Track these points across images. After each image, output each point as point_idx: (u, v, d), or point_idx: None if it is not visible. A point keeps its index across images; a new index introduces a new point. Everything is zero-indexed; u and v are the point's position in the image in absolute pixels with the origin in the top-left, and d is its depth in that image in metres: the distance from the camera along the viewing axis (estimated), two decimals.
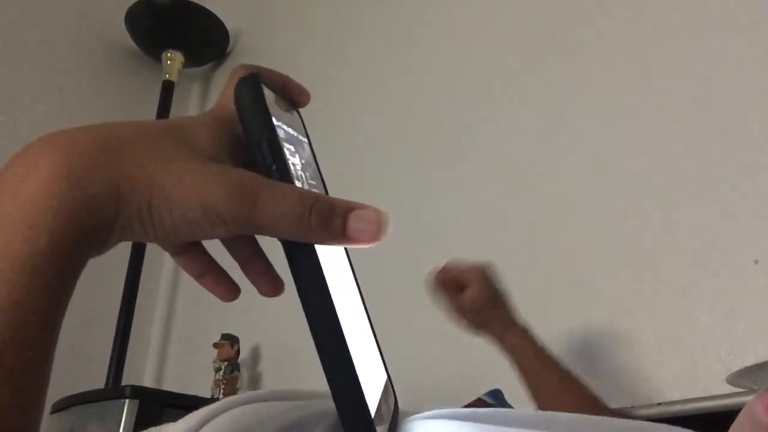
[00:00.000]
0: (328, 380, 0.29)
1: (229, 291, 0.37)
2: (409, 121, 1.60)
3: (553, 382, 0.88)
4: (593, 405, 0.86)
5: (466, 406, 0.99)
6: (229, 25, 2.13)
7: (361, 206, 0.30)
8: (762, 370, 0.77)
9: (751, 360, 0.79)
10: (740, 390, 0.84)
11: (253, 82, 0.31)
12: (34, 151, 0.28)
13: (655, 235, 1.09)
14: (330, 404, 0.29)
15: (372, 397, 0.30)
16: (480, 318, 0.93)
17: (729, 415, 0.31)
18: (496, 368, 1.19)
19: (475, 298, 0.93)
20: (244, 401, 0.34)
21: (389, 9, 1.78)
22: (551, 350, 0.91)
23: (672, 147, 1.12)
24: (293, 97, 0.37)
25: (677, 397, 0.94)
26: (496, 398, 1.02)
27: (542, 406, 0.89)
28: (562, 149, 1.27)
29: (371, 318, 0.37)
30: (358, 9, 1.87)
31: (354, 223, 0.29)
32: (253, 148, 0.31)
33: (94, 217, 0.28)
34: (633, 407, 0.97)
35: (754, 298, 0.96)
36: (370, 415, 0.29)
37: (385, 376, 0.36)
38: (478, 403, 1.00)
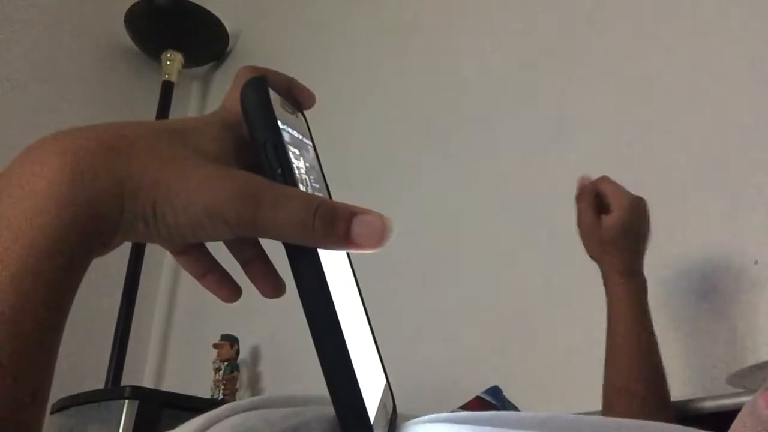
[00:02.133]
0: (328, 384, 0.29)
1: (231, 292, 0.37)
2: (410, 121, 1.60)
3: (634, 344, 0.82)
4: (659, 388, 0.82)
5: (465, 405, 0.99)
6: (229, 25, 2.13)
7: (365, 211, 0.30)
8: (762, 370, 0.77)
9: (751, 360, 0.79)
10: (740, 390, 0.84)
11: (259, 84, 0.31)
12: (38, 151, 0.28)
13: (655, 235, 1.09)
14: (329, 409, 0.29)
15: (371, 402, 0.30)
16: (602, 249, 0.86)
17: (729, 415, 0.31)
18: (494, 367, 1.20)
19: (612, 228, 0.84)
20: (244, 408, 0.34)
21: (389, 9, 1.78)
22: (650, 320, 0.85)
23: (672, 147, 1.12)
24: (299, 100, 0.37)
25: (677, 397, 0.94)
26: (495, 396, 1.02)
27: (610, 364, 0.84)
28: (561, 148, 1.27)
29: (371, 321, 0.37)
30: (358, 9, 1.87)
31: (357, 228, 0.29)
32: (258, 151, 0.31)
33: (99, 217, 0.28)
34: None
35: (754, 298, 0.96)
36: (369, 419, 0.29)
37: (384, 380, 0.36)
38: (477, 401, 1.00)
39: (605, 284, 0.87)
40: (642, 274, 0.86)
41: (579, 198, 0.89)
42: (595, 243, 0.86)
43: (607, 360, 0.85)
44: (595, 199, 0.87)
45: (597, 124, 1.23)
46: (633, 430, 0.38)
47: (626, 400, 0.82)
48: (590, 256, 0.89)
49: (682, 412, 0.89)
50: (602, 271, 0.87)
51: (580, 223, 0.88)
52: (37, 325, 0.26)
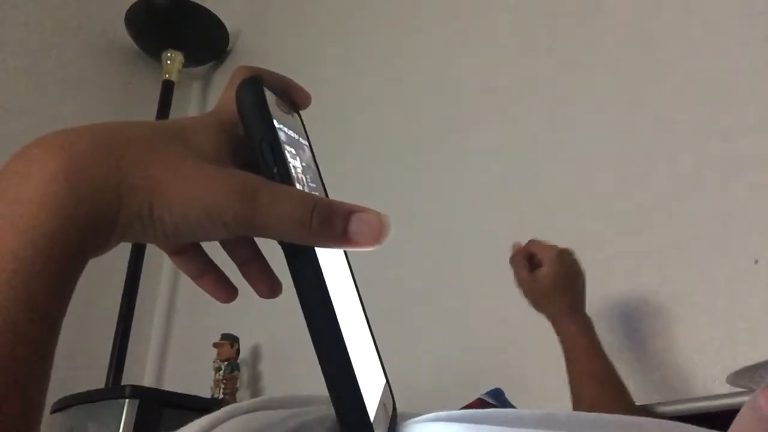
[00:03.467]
0: (327, 384, 0.28)
1: (227, 292, 0.36)
2: (408, 121, 1.60)
3: (592, 376, 0.89)
4: (622, 404, 0.87)
5: (466, 407, 0.99)
6: (229, 25, 2.13)
7: (362, 209, 0.30)
8: (762, 370, 0.77)
9: (751, 360, 0.79)
10: (740, 390, 0.84)
11: (255, 84, 0.31)
12: (33, 151, 0.28)
13: (655, 234, 1.09)
14: (330, 410, 0.29)
15: (371, 402, 0.30)
16: (545, 299, 0.95)
17: (729, 415, 0.31)
18: (496, 368, 1.20)
19: (544, 279, 0.94)
20: (245, 410, 0.34)
21: (389, 8, 1.78)
22: (602, 348, 0.92)
23: (672, 146, 1.12)
24: (295, 99, 0.37)
25: (677, 397, 0.94)
26: (496, 398, 1.02)
27: (575, 397, 0.90)
28: (561, 148, 1.27)
29: (370, 320, 0.37)
30: (358, 9, 1.87)
31: (355, 226, 0.29)
32: (254, 150, 0.31)
33: (95, 217, 0.28)
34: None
35: (754, 298, 0.96)
36: (369, 419, 0.28)
37: (384, 380, 0.36)
38: (479, 403, 1.00)
39: (555, 328, 0.95)
40: (584, 313, 0.95)
41: (512, 260, 1.00)
42: (536, 295, 0.96)
43: (572, 397, 0.91)
44: (527, 260, 0.98)
45: (597, 124, 1.23)
46: (630, 427, 0.38)
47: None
48: (535, 308, 0.98)
49: (683, 412, 0.89)
50: (550, 318, 0.96)
51: (518, 280, 0.98)
52: (33, 325, 0.26)
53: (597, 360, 0.90)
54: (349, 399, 0.28)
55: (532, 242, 0.99)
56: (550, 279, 0.94)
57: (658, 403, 0.92)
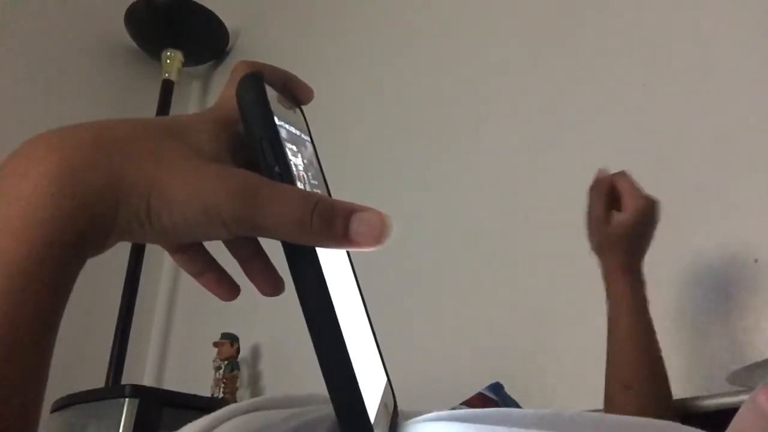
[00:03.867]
0: (327, 385, 0.28)
1: (229, 290, 0.36)
2: (409, 118, 1.60)
3: (635, 342, 0.82)
4: (660, 384, 0.82)
5: (466, 401, 0.99)
6: (229, 24, 2.13)
7: (364, 209, 0.29)
8: (762, 369, 0.76)
9: (751, 360, 0.79)
10: (740, 389, 0.84)
11: (255, 80, 0.31)
12: (30, 149, 0.28)
13: (655, 234, 1.09)
14: (330, 409, 0.29)
15: (372, 401, 0.30)
16: (607, 246, 0.85)
17: (729, 414, 0.31)
18: (496, 363, 1.20)
19: (620, 226, 0.83)
20: (245, 410, 0.34)
21: (389, 6, 1.77)
22: (649, 315, 0.84)
23: (672, 146, 1.12)
24: (296, 95, 0.36)
25: (678, 396, 0.94)
26: (496, 392, 1.02)
27: (612, 362, 0.84)
28: (562, 146, 1.27)
29: (371, 319, 0.37)
30: (358, 6, 1.87)
31: (356, 226, 0.29)
32: (254, 148, 0.30)
33: (92, 217, 0.27)
34: None
35: (754, 298, 0.96)
36: (369, 420, 0.28)
37: (385, 379, 0.36)
38: (479, 397, 1.00)
39: (606, 280, 0.86)
40: (642, 273, 0.86)
41: (592, 189, 0.88)
42: (602, 238, 0.86)
43: (608, 358, 0.85)
44: (608, 194, 0.86)
45: (598, 124, 1.23)
46: (634, 428, 0.37)
47: (628, 397, 0.82)
48: (592, 249, 0.88)
49: (683, 411, 0.89)
50: (603, 267, 0.87)
51: (590, 215, 0.87)
52: (31, 325, 0.26)
53: (645, 324, 0.83)
54: (349, 400, 0.28)
55: (621, 176, 0.86)
56: (626, 229, 0.83)
57: None
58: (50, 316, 0.27)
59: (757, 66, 1.06)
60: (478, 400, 1.00)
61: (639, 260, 0.86)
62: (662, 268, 1.07)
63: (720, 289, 1.00)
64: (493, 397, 1.01)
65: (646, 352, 0.83)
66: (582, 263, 0.98)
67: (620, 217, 0.84)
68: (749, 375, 0.79)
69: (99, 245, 0.29)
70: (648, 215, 0.85)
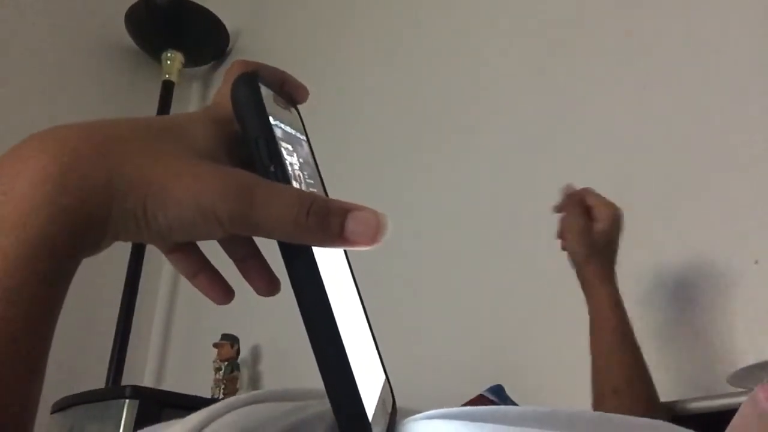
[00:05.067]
0: (325, 383, 0.28)
1: (222, 293, 0.36)
2: (409, 120, 1.60)
3: (619, 349, 0.85)
4: (645, 388, 0.84)
5: (467, 403, 0.99)
6: (229, 25, 2.13)
7: (360, 208, 0.29)
8: (762, 370, 0.77)
9: (751, 360, 0.79)
10: (740, 390, 0.84)
11: (250, 80, 0.31)
12: (26, 148, 0.28)
13: (655, 235, 1.09)
14: (329, 405, 0.29)
15: (369, 399, 0.30)
16: (590, 254, 0.89)
17: (729, 414, 0.31)
18: (497, 364, 1.20)
19: (599, 236, 0.88)
20: (244, 402, 0.34)
21: (390, 8, 1.78)
22: (629, 320, 0.88)
23: (672, 146, 1.12)
24: (292, 95, 0.36)
25: (677, 397, 0.94)
26: (498, 394, 1.02)
27: (597, 369, 0.86)
28: (562, 148, 1.27)
29: (369, 317, 0.37)
30: (358, 8, 1.87)
31: (352, 225, 0.29)
32: (250, 147, 0.30)
33: (87, 216, 0.27)
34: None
35: (754, 298, 0.96)
36: (367, 419, 0.28)
37: (383, 377, 0.36)
38: (480, 399, 1.00)
39: (586, 289, 0.89)
40: (616, 279, 0.90)
41: (567, 205, 0.92)
42: (585, 248, 0.89)
43: (595, 363, 0.87)
44: (582, 207, 0.91)
45: (595, 124, 1.23)
46: (629, 427, 0.38)
47: (618, 400, 0.83)
48: (574, 261, 0.91)
49: (682, 412, 0.89)
50: (583, 277, 0.90)
51: (570, 229, 0.91)
52: (27, 325, 0.25)
53: (626, 333, 0.86)
54: (347, 398, 0.28)
55: (588, 191, 0.92)
56: (604, 238, 0.88)
57: None
58: (46, 316, 0.26)
59: (758, 66, 1.05)
60: (479, 402, 1.00)
61: (613, 269, 0.90)
62: (663, 268, 1.07)
63: (720, 291, 1.00)
64: (495, 399, 1.01)
65: (632, 355, 0.85)
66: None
67: (600, 227, 0.88)
68: (750, 376, 0.79)
69: (95, 245, 0.29)
70: (618, 224, 0.90)
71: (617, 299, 0.88)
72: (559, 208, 0.93)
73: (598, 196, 0.91)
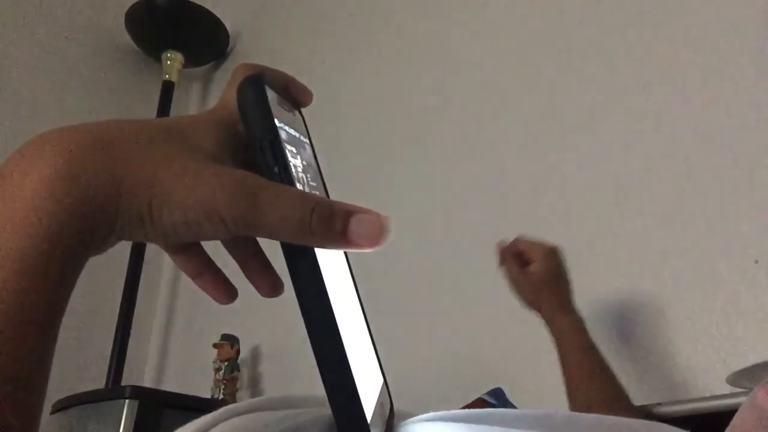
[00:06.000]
0: (325, 384, 0.28)
1: (226, 293, 0.36)
2: (409, 122, 1.60)
3: (587, 373, 0.89)
4: (620, 402, 0.86)
5: (467, 407, 0.99)
6: (229, 25, 2.13)
7: (363, 210, 0.30)
8: (762, 370, 0.77)
9: (751, 360, 0.79)
10: (740, 390, 0.84)
11: (256, 82, 0.31)
12: (33, 148, 0.28)
13: (655, 235, 1.09)
14: (324, 411, 0.29)
15: (368, 402, 0.30)
16: (536, 296, 0.95)
17: (729, 415, 0.31)
18: (497, 367, 1.20)
19: (536, 275, 0.94)
20: (243, 410, 0.34)
21: (390, 11, 1.78)
22: (595, 343, 0.92)
23: (672, 147, 1.12)
24: (296, 97, 0.37)
25: (677, 397, 0.94)
26: (497, 397, 1.02)
27: (571, 393, 0.89)
28: (562, 150, 1.27)
29: (369, 320, 0.37)
30: (359, 10, 1.87)
31: (355, 227, 0.29)
32: (255, 149, 0.30)
33: (94, 216, 0.28)
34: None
35: (754, 298, 0.96)
36: (366, 420, 0.29)
37: (381, 379, 0.36)
38: (480, 402, 1.00)
39: (549, 325, 0.94)
40: (576, 309, 0.94)
41: (502, 261, 0.98)
42: (528, 293, 0.96)
43: (567, 388, 0.90)
44: (517, 257, 0.97)
45: (594, 123, 1.23)
46: (626, 428, 0.38)
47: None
48: (529, 306, 0.97)
49: (682, 412, 0.89)
50: (543, 315, 0.95)
51: (511, 281, 0.97)
52: (33, 324, 0.26)
53: (592, 356, 0.90)
54: (346, 399, 0.28)
55: (518, 240, 0.99)
56: (542, 275, 0.94)
57: (658, 404, 0.92)
58: (52, 315, 0.27)
59: (757, 67, 1.06)
60: (479, 406, 0.99)
61: (568, 299, 0.95)
62: (664, 269, 1.07)
63: (720, 290, 1.00)
64: (495, 402, 1.01)
65: (599, 378, 0.89)
66: (580, 267, 0.99)
67: (532, 267, 0.95)
68: (750, 376, 0.79)
69: (100, 244, 0.29)
70: (553, 258, 0.95)
71: (579, 325, 0.93)
72: (499, 264, 0.99)
73: (527, 240, 0.98)
